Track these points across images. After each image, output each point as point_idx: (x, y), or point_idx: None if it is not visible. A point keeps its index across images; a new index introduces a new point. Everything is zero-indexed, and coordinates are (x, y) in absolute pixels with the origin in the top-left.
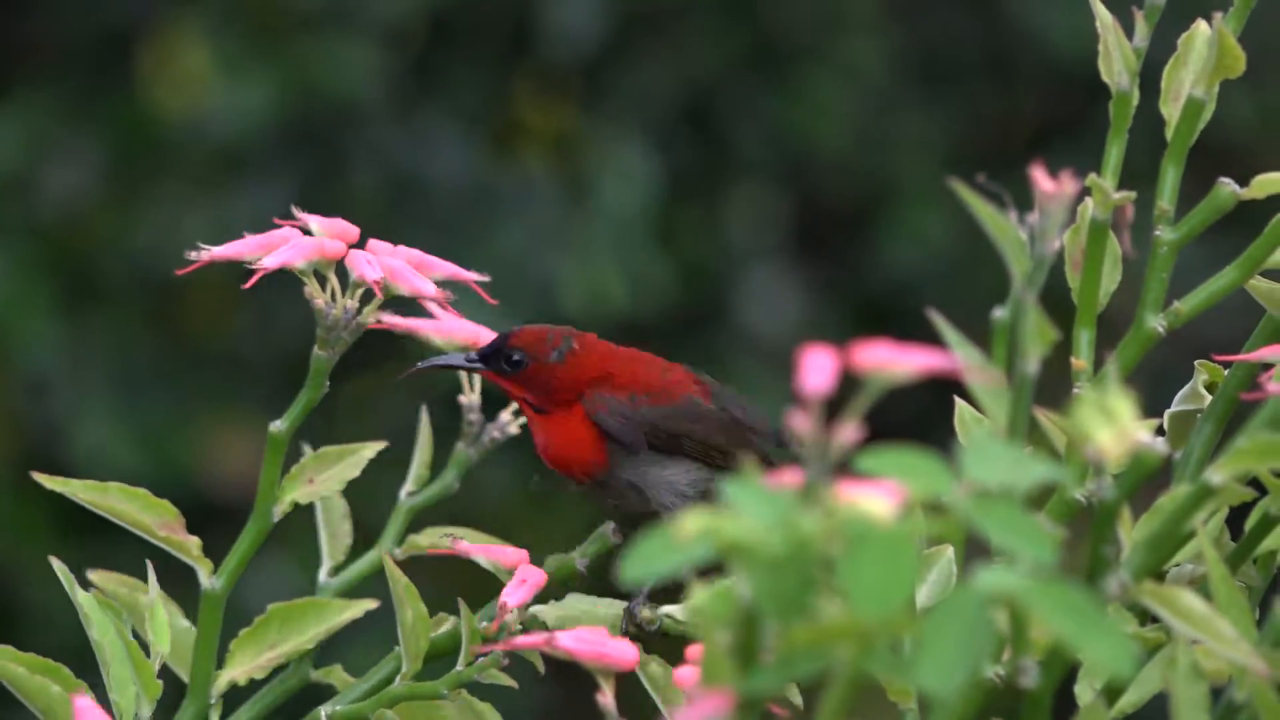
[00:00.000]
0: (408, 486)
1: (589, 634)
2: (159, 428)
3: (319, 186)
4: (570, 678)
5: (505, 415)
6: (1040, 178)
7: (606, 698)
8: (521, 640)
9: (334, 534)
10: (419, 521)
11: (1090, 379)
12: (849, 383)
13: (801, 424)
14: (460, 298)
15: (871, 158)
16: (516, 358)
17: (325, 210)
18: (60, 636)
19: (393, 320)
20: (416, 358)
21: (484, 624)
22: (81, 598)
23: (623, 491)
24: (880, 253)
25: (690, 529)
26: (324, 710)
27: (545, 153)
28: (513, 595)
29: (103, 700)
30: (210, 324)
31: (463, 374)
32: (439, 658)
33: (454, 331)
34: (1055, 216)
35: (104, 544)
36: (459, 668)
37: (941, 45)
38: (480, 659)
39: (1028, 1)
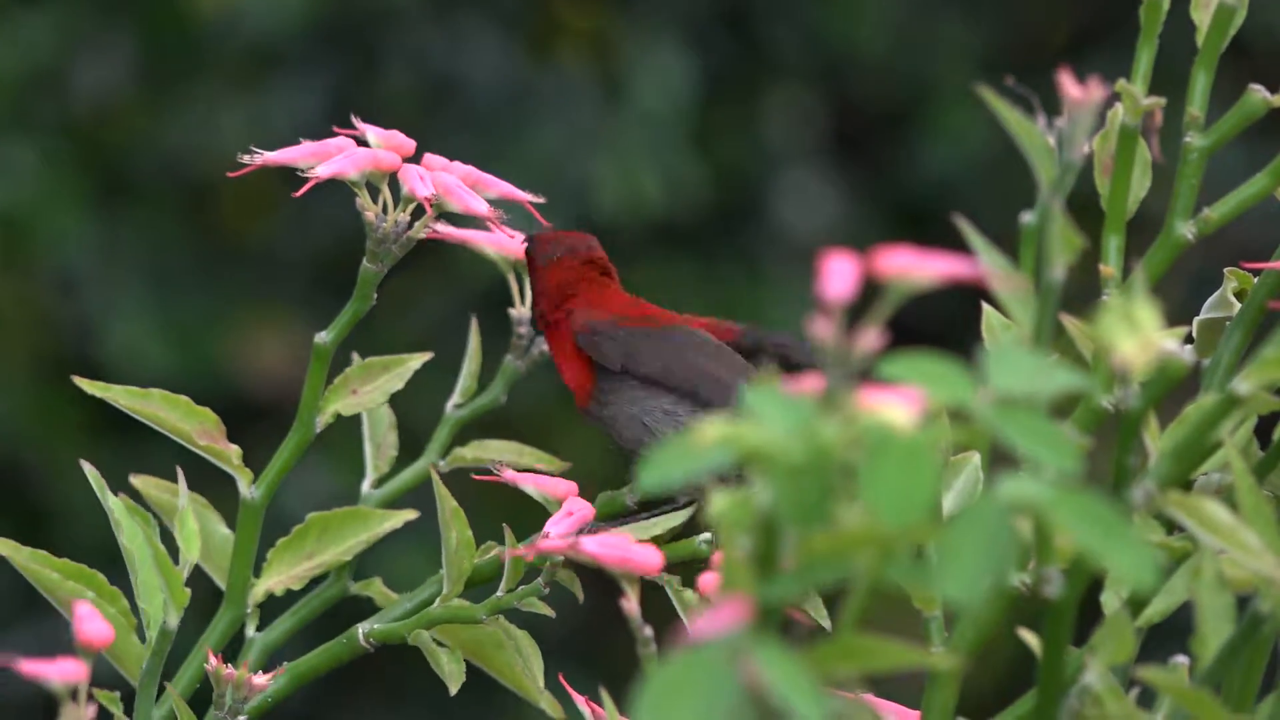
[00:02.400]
0: (454, 399)
1: (613, 539)
2: (192, 326)
3: (354, 87)
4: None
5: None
6: (1068, 84)
7: (631, 603)
8: (545, 545)
9: (379, 444)
10: (463, 429)
11: (1119, 286)
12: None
13: (823, 330)
14: (510, 211)
15: (909, 60)
16: (527, 249)
17: (361, 111)
18: (93, 538)
19: (447, 231)
20: (464, 264)
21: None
22: (112, 502)
23: (606, 423)
24: (917, 155)
25: (709, 435)
26: (361, 628)
27: (582, 54)
28: (557, 525)
29: (133, 606)
30: (244, 222)
31: (514, 286)
32: (481, 584)
33: (506, 244)
34: (1083, 123)
35: (137, 445)
36: (499, 594)
37: None
38: (521, 587)
39: None
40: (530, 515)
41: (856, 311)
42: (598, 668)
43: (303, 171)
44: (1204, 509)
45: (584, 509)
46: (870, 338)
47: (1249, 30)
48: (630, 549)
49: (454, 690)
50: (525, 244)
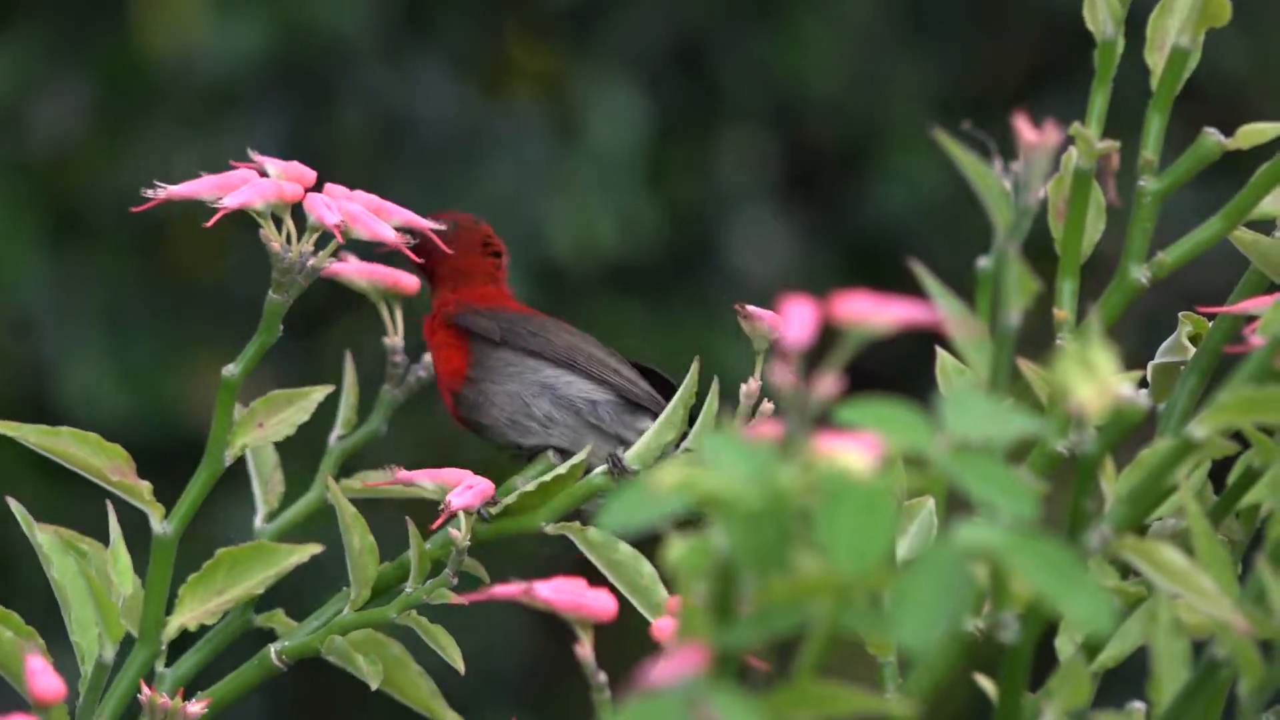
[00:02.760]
0: (336, 430)
1: (566, 584)
2: (147, 367)
3: (308, 126)
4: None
5: (428, 356)
6: (1024, 127)
7: (585, 649)
8: (500, 590)
9: (266, 481)
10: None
11: (1073, 330)
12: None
13: (781, 375)
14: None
15: (862, 102)
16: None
17: (314, 150)
18: (40, 581)
19: (337, 267)
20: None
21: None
22: (41, 538)
23: (478, 407)
24: (870, 196)
25: (667, 481)
26: (273, 648)
27: (535, 94)
28: (458, 498)
29: (65, 643)
30: (198, 263)
31: (385, 316)
32: (385, 592)
33: (376, 275)
34: (1039, 166)
35: (85, 485)
36: (408, 590)
37: None
38: (429, 581)
39: None
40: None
41: (812, 356)
42: (550, 714)
43: (210, 203)
44: (1159, 553)
45: (482, 483)
46: (828, 383)
47: (1199, 73)
48: (584, 595)
49: (375, 685)
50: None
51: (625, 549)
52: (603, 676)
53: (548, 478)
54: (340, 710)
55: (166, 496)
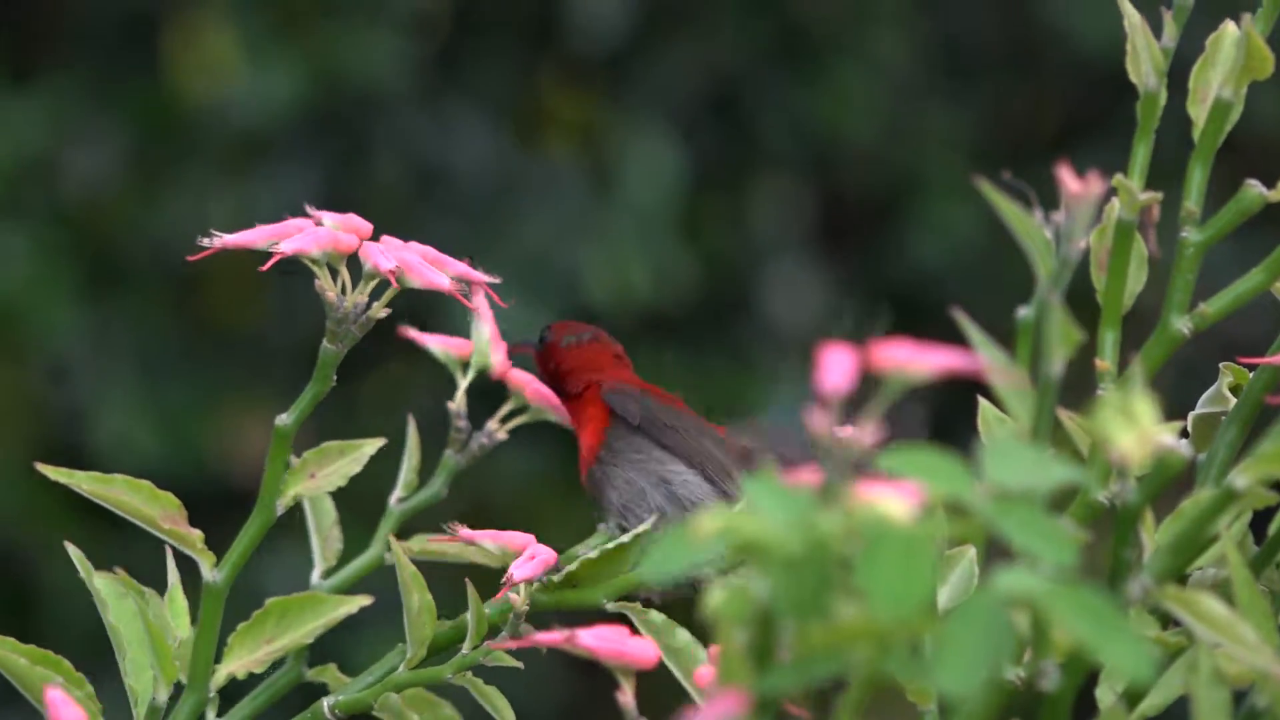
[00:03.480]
0: (397, 493)
1: (609, 632)
2: (181, 414)
3: (343, 174)
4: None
5: (492, 423)
6: (1067, 177)
7: (626, 696)
8: (541, 637)
9: (325, 537)
10: (438, 519)
11: (1115, 380)
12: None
13: (820, 423)
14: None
15: (897, 150)
16: (541, 336)
17: (349, 198)
18: (82, 624)
19: (405, 331)
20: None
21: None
22: (98, 581)
23: (599, 484)
24: (905, 246)
25: (708, 527)
26: (326, 701)
27: (570, 143)
28: (520, 569)
29: (114, 686)
30: (233, 311)
31: (459, 380)
32: (444, 649)
33: (451, 345)
34: (1082, 217)
35: (124, 531)
36: (464, 651)
37: (968, 38)
38: (486, 643)
39: None
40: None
41: (852, 403)
42: None
43: (266, 249)
44: (1200, 603)
45: (546, 553)
46: (868, 431)
47: (1238, 124)
48: (626, 642)
49: None
50: (543, 332)
51: (683, 635)
52: None
53: (610, 545)
54: None
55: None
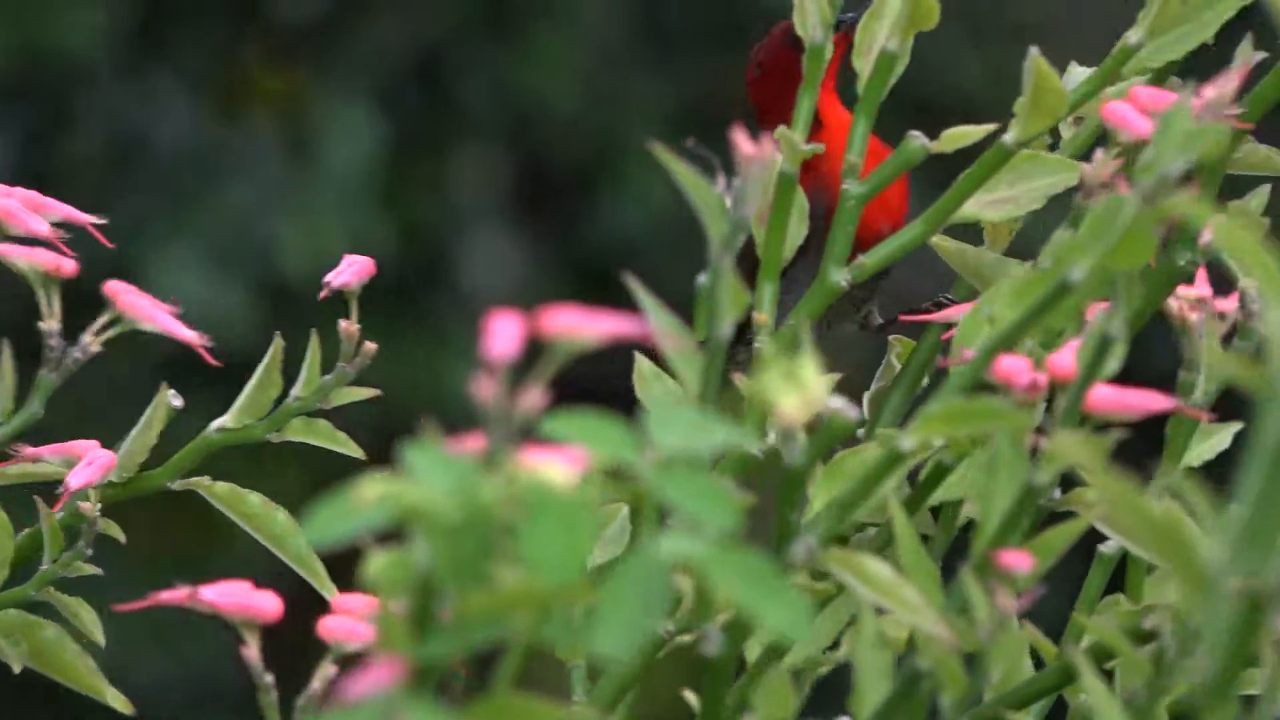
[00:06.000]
0: None
1: (233, 588)
2: None
3: (43, 145)
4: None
5: (87, 336)
6: (741, 140)
7: (251, 650)
8: (165, 596)
9: None
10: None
11: (773, 334)
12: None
13: (486, 390)
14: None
15: (599, 118)
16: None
17: (49, 169)
18: None
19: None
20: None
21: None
22: None
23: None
24: (605, 214)
25: (368, 494)
26: None
27: (272, 115)
28: (77, 476)
29: None
30: None
31: (43, 299)
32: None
33: (38, 258)
34: (756, 179)
35: None
36: (44, 566)
37: (672, 6)
38: (65, 555)
39: None
40: None
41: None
42: None
43: None
44: (864, 565)
45: (104, 456)
46: (534, 396)
47: (936, 89)
48: (249, 596)
49: (17, 669)
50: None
51: (255, 498)
52: (270, 678)
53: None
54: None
55: None
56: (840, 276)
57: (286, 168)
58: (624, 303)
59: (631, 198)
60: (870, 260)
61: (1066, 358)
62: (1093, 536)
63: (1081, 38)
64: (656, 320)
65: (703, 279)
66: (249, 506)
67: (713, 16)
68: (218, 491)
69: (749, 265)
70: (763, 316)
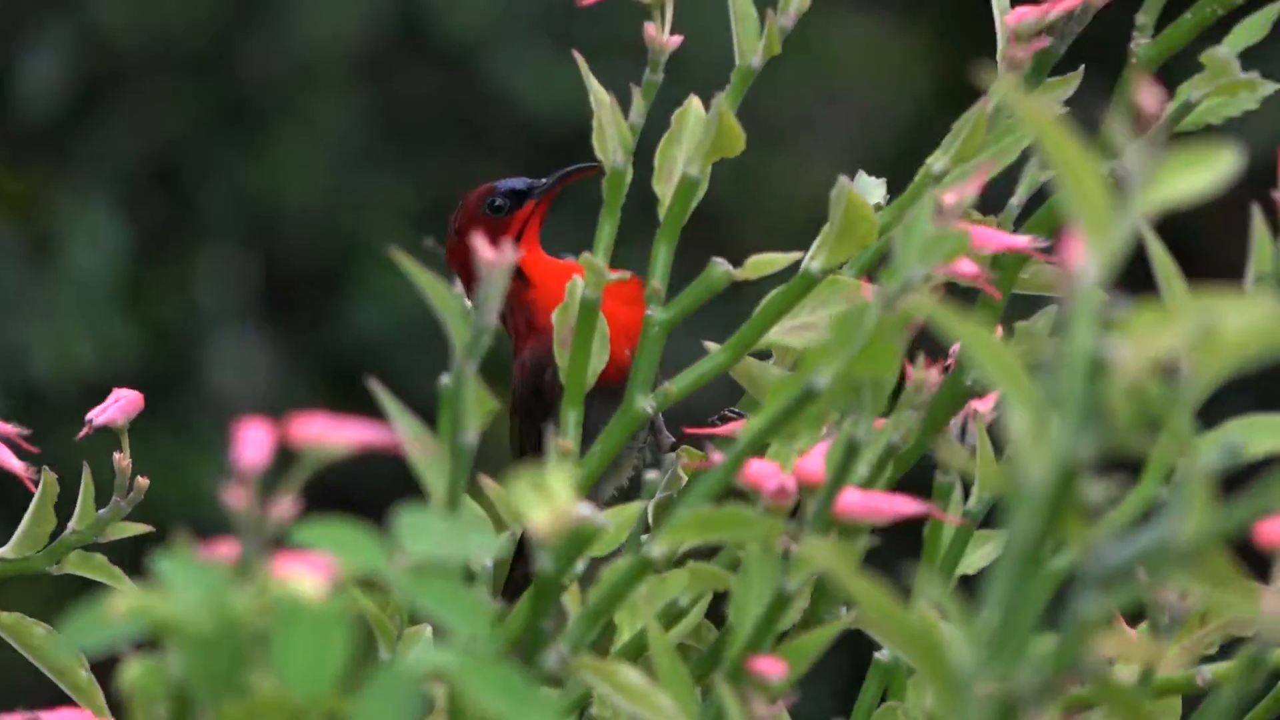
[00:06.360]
0: None
1: (74, 714)
2: None
3: None
4: None
5: None
6: (480, 247)
7: None
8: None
9: None
10: None
11: (575, 457)
12: None
13: (237, 498)
14: None
15: (342, 218)
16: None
17: None
18: None
19: None
20: None
21: None
22: None
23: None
24: (350, 315)
25: (120, 606)
26: None
27: (13, 217)
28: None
29: None
30: None
31: None
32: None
33: None
34: (496, 286)
35: None
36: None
37: (414, 104)
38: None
39: (498, 62)
40: None
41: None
42: None
43: None
44: (618, 673)
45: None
46: (285, 505)
47: (710, 203)
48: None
49: None
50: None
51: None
52: None
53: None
54: None
55: None
56: (646, 403)
57: (29, 271)
58: (373, 402)
59: (376, 298)
60: (675, 387)
61: (815, 462)
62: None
63: (824, 140)
64: (402, 427)
65: (445, 380)
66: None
67: (452, 115)
68: (3, 621)
69: (553, 391)
70: (567, 444)
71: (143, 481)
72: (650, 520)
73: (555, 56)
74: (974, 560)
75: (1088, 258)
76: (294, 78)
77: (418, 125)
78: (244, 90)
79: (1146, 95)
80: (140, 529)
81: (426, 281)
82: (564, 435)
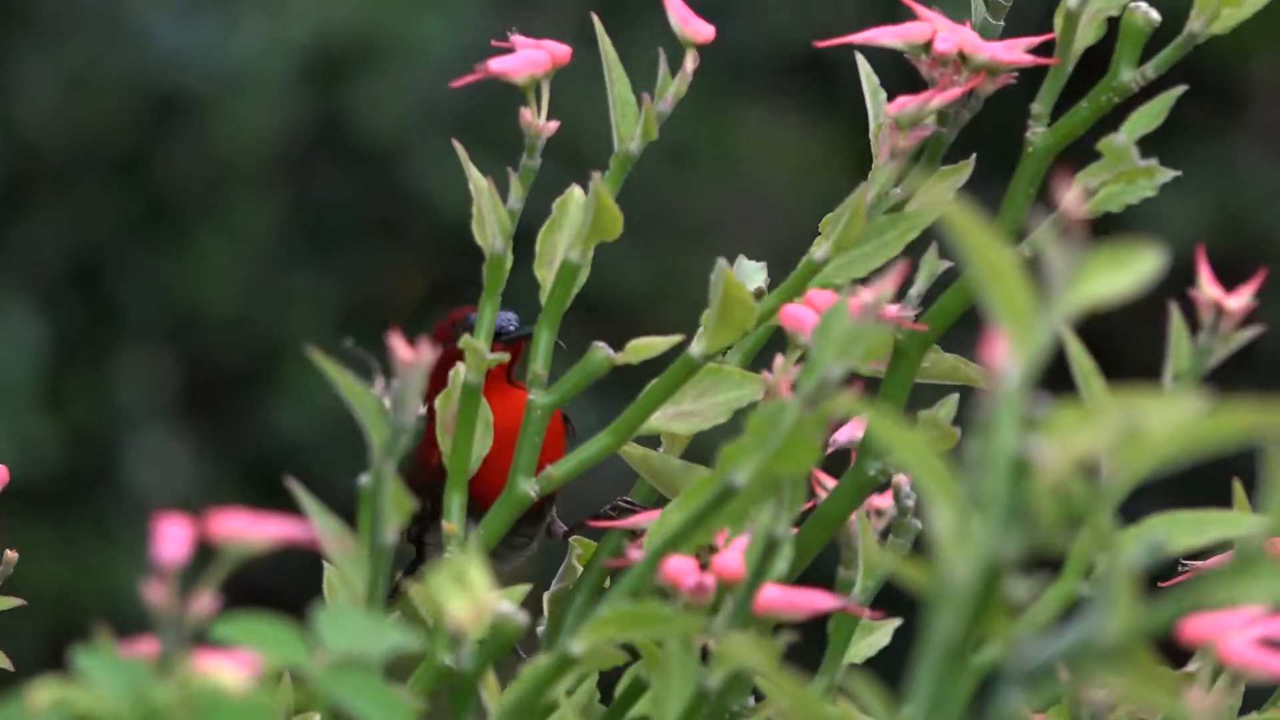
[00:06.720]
0: None
1: None
2: None
3: None
4: None
5: None
6: (398, 345)
7: None
8: None
9: None
10: None
11: (462, 544)
12: None
13: (157, 594)
14: None
15: (261, 319)
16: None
17: None
18: None
19: None
20: None
21: None
22: None
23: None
24: (271, 415)
25: (41, 700)
26: None
27: None
28: None
29: None
30: None
31: None
32: None
33: None
34: (413, 384)
35: None
36: None
37: (333, 205)
38: None
39: (415, 162)
40: None
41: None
42: None
43: None
44: None
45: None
46: (205, 601)
47: (597, 289)
48: None
49: None
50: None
51: None
52: None
53: None
54: None
55: None
56: (529, 487)
57: None
58: (294, 503)
59: (295, 398)
60: (558, 471)
61: (734, 558)
62: None
63: (748, 241)
64: (321, 524)
65: (364, 480)
66: None
67: (371, 215)
68: None
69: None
70: (452, 526)
71: (11, 555)
72: (545, 612)
73: (473, 156)
74: (860, 650)
75: (1010, 359)
76: (214, 179)
77: (337, 225)
78: (164, 191)
79: (1069, 196)
80: (12, 602)
81: (344, 381)
82: (448, 517)
